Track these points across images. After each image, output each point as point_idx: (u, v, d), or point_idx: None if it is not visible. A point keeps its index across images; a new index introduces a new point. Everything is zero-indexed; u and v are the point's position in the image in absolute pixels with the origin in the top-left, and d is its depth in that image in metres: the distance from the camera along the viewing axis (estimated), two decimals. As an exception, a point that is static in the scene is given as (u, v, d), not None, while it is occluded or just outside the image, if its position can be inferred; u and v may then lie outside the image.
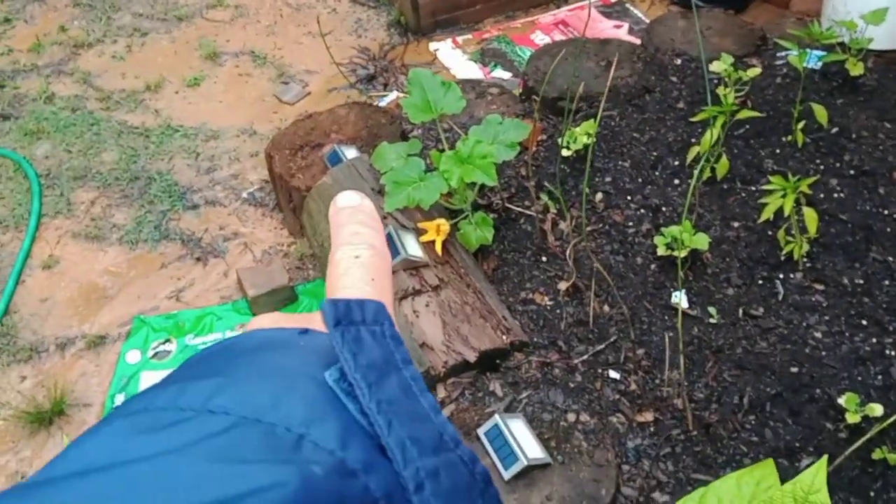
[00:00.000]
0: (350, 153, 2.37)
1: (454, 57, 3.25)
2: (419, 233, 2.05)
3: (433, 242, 2.03)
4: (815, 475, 0.78)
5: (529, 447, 1.66)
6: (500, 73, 3.14)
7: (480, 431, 1.69)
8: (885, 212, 2.13)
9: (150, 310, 2.40)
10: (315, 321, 0.39)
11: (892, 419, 1.52)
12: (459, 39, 3.32)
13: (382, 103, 3.00)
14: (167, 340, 2.29)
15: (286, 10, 3.63)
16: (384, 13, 3.53)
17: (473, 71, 3.17)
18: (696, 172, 1.52)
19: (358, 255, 0.42)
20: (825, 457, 0.88)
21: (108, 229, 2.66)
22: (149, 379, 2.19)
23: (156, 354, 2.26)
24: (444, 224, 2.03)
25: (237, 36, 3.49)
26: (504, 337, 1.88)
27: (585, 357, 1.88)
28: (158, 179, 2.82)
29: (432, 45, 3.31)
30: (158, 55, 3.41)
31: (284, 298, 2.32)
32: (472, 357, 1.81)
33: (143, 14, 3.65)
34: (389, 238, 1.99)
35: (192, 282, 2.48)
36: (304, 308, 2.31)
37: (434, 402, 0.34)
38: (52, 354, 2.30)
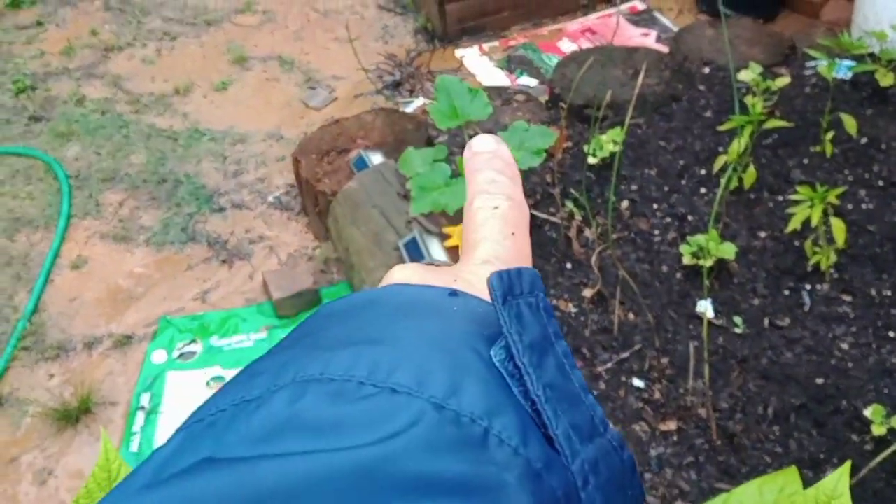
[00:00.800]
0: (376, 158, 2.39)
1: (480, 64, 3.26)
2: (443, 238, 2.06)
3: (457, 248, 2.03)
4: (838, 480, 0.78)
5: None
6: (527, 81, 3.14)
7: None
8: (915, 223, 2.11)
9: (176, 311, 2.43)
10: (460, 278, 0.36)
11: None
12: (486, 46, 3.33)
13: (408, 109, 3.02)
14: (192, 341, 2.31)
15: (314, 15, 3.66)
16: (411, 20, 3.55)
17: (500, 78, 3.18)
18: (723, 181, 1.52)
19: (497, 205, 0.40)
20: (848, 462, 0.87)
21: (135, 231, 2.70)
22: (174, 379, 2.21)
23: (181, 355, 2.28)
24: (468, 229, 2.04)
25: (265, 41, 3.52)
26: (527, 343, 1.87)
27: (609, 365, 1.88)
28: (186, 182, 2.85)
29: (458, 52, 3.33)
30: (187, 59, 3.45)
31: (309, 301, 2.33)
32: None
33: (172, 18, 3.69)
34: (414, 242, 2.00)
35: (218, 284, 2.50)
36: (328, 311, 2.33)
37: (582, 379, 0.31)
38: (80, 353, 2.33)
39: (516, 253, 0.38)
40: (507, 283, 0.31)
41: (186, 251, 2.62)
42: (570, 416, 0.29)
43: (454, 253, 2.03)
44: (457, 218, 2.13)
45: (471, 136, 1.93)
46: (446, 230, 2.07)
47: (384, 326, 0.31)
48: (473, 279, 0.36)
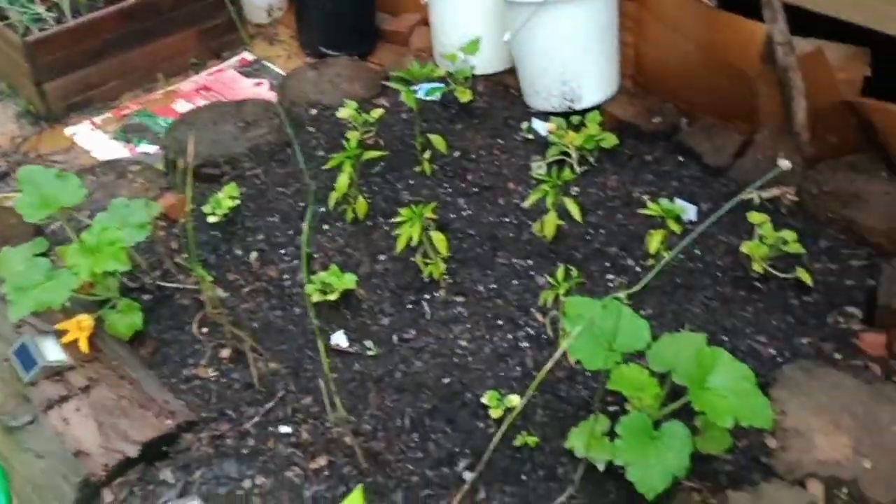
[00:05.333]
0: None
1: (94, 138, 3.12)
2: (60, 334, 1.94)
3: (77, 341, 1.93)
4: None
5: (206, 526, 1.64)
6: (147, 148, 3.06)
7: (153, 525, 1.64)
8: (506, 220, 2.38)
9: None
10: None
11: (522, 404, 1.69)
12: (98, 120, 3.20)
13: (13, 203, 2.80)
14: None
15: None
16: (11, 104, 3.31)
17: (118, 150, 3.06)
18: (307, 218, 1.59)
19: None
20: (360, 486, 0.96)
21: None
22: None
23: None
24: (85, 319, 1.95)
25: None
26: (168, 421, 1.83)
27: (256, 419, 1.89)
28: None
29: (68, 130, 3.16)
30: None
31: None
32: (133, 452, 1.75)
33: None
34: (24, 348, 1.87)
35: None
36: None
37: None
38: None
39: None
40: None
41: None
42: None
43: (73, 349, 1.92)
44: (76, 309, 2.02)
45: (70, 221, 1.79)
46: (60, 326, 1.96)
47: None
48: None
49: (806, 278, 2.07)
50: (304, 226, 1.55)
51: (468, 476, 1.74)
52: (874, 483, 1.68)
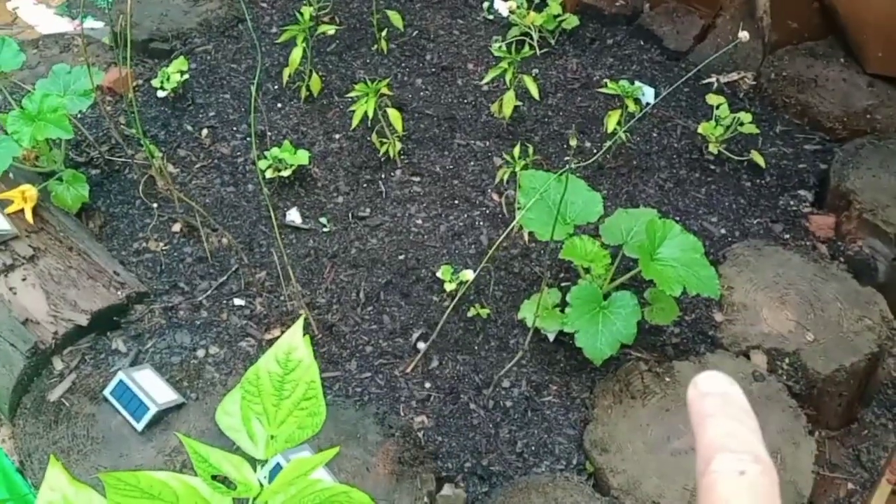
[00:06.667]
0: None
1: (38, 13, 2.97)
2: (3, 205, 1.89)
3: (22, 212, 1.88)
4: (292, 335, 0.84)
5: (159, 393, 1.64)
6: (93, 24, 2.92)
7: (106, 392, 1.64)
8: (465, 101, 2.34)
9: None
10: None
11: (472, 279, 1.70)
12: (40, -7, 3.05)
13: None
14: None
15: None
16: (-56, -26, 3.12)
17: (62, 25, 2.93)
18: (252, 91, 1.55)
19: (743, 469, 0.34)
20: (302, 316, 0.95)
21: None
22: None
23: None
24: (29, 190, 1.89)
25: None
26: (119, 292, 1.81)
27: (209, 292, 1.88)
28: None
29: (10, 4, 3.00)
30: None
31: None
32: (83, 321, 1.73)
33: None
34: (-34, 217, 1.82)
35: None
36: None
37: None
38: None
39: None
40: None
41: None
42: None
43: (18, 221, 1.87)
44: (19, 180, 1.97)
45: (11, 92, 1.73)
46: (3, 196, 1.90)
47: None
48: None
49: (760, 161, 2.09)
50: (252, 90, 1.50)
51: (421, 346, 1.76)
52: (815, 354, 1.74)
